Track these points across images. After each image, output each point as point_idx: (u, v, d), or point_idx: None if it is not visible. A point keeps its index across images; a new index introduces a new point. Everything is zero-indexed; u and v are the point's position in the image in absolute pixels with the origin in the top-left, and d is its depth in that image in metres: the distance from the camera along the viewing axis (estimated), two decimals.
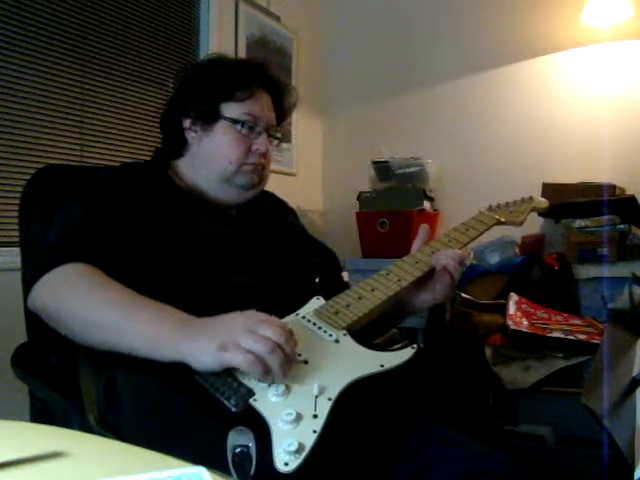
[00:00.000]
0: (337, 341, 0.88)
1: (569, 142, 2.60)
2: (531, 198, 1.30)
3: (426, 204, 2.59)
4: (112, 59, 2.04)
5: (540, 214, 2.40)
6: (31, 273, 0.94)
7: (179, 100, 1.19)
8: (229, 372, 0.78)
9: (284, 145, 2.82)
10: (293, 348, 0.79)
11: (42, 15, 1.81)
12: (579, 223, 2.17)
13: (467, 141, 2.81)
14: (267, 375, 0.76)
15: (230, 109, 1.13)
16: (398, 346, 0.88)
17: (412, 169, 2.63)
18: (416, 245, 1.10)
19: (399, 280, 1.00)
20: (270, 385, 0.77)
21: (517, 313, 2.00)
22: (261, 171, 1.16)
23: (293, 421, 0.73)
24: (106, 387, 0.84)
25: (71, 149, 1.90)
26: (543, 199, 1.33)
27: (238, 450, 0.68)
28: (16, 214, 1.79)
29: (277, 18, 2.79)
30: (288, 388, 0.77)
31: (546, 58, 2.66)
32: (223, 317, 0.82)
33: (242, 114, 1.13)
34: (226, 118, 1.13)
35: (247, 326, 0.78)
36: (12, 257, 1.65)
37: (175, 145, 1.18)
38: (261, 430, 0.72)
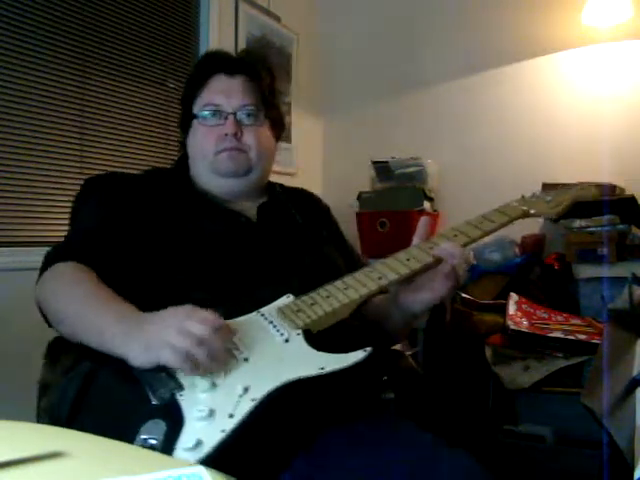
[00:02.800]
0: (287, 341, 0.86)
1: (569, 142, 2.60)
2: (576, 186, 1.18)
3: (426, 204, 2.59)
4: (112, 59, 2.04)
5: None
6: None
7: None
8: (164, 367, 0.79)
9: (284, 145, 2.82)
10: (221, 342, 0.80)
11: (42, 14, 1.80)
12: (579, 223, 2.17)
13: (467, 141, 2.81)
14: (197, 369, 0.78)
15: (195, 106, 1.16)
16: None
17: (412, 169, 2.63)
18: (416, 239, 1.01)
19: (379, 278, 0.93)
20: (199, 381, 0.78)
21: (517, 313, 2.00)
22: (241, 156, 1.13)
23: (205, 418, 0.73)
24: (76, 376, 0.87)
25: (71, 149, 1.90)
26: (591, 186, 1.17)
27: (146, 442, 0.70)
28: (15, 214, 1.80)
29: (277, 18, 2.79)
30: (215, 385, 0.78)
31: (546, 58, 2.66)
32: (159, 314, 0.84)
33: (202, 107, 1.14)
34: (192, 116, 1.16)
35: (176, 323, 0.79)
36: (12, 257, 1.66)
37: (184, 156, 1.22)
38: (178, 424, 0.73)
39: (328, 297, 0.92)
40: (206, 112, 1.13)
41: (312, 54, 3.04)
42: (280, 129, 1.24)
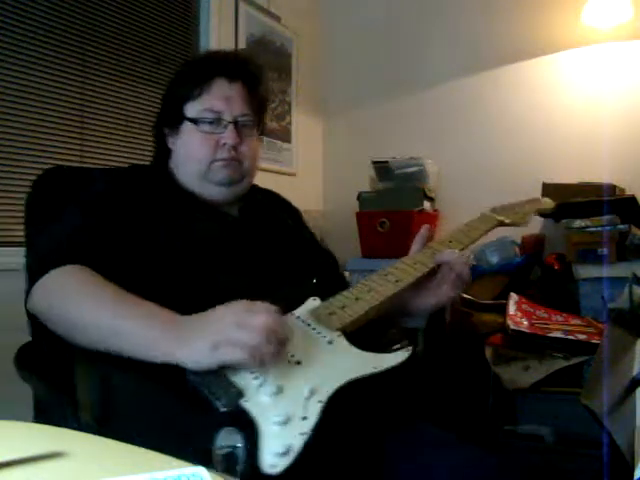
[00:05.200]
0: (330, 342, 0.88)
1: (569, 142, 2.60)
2: (538, 199, 1.32)
3: (426, 204, 2.59)
4: (112, 59, 2.04)
5: (540, 214, 2.41)
6: (29, 277, 0.95)
7: (161, 108, 1.21)
8: (220, 372, 0.78)
9: (284, 145, 2.82)
10: (284, 331, 0.80)
11: (42, 14, 1.80)
12: (579, 223, 2.17)
13: (467, 141, 2.81)
14: (263, 365, 0.77)
15: (190, 108, 1.12)
16: (394, 348, 0.88)
17: (412, 169, 2.63)
18: (415, 245, 1.10)
19: (397, 281, 0.99)
20: (262, 386, 0.76)
21: (517, 313, 2.00)
22: (237, 166, 1.13)
23: (282, 423, 0.72)
24: (101, 386, 0.84)
25: (71, 149, 1.90)
26: (549, 200, 1.33)
27: (225, 450, 0.69)
28: (16, 214, 1.79)
29: (277, 18, 2.79)
30: (279, 389, 0.77)
31: (546, 58, 2.66)
32: (212, 313, 0.82)
33: (201, 111, 1.11)
34: (187, 119, 1.12)
35: (235, 319, 0.78)
36: (12, 257, 1.65)
37: (161, 152, 1.19)
38: (251, 431, 0.71)
39: (357, 300, 0.95)
40: (206, 119, 1.10)
41: (312, 54, 3.05)
42: (262, 137, 1.27)
